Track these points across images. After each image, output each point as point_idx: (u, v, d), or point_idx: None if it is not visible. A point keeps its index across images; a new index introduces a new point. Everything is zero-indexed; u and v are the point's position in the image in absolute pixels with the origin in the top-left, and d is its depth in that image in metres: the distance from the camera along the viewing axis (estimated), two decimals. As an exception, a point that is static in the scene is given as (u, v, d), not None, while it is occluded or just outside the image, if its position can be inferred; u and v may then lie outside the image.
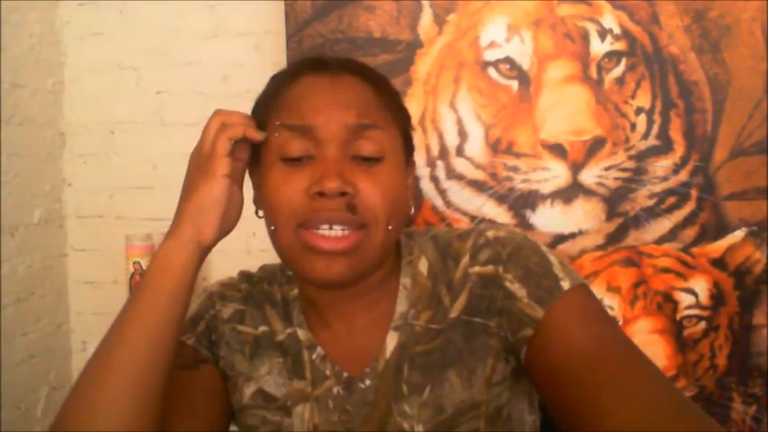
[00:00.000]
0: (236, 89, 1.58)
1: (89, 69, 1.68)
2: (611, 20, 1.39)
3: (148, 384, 0.57)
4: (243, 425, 0.71)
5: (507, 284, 0.65)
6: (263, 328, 0.72)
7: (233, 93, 1.59)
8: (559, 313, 0.61)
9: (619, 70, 1.39)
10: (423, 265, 0.70)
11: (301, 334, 0.70)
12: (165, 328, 0.58)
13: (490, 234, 0.68)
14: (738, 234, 1.36)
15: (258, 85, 0.71)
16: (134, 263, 1.54)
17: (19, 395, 1.49)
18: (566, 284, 0.63)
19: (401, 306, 0.69)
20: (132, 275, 1.54)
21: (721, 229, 1.37)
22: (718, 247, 1.37)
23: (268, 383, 0.70)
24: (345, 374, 0.68)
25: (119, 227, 1.64)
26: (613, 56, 1.39)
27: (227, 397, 0.71)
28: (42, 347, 1.58)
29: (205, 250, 0.62)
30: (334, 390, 0.68)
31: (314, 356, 0.69)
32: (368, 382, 0.67)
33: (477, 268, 0.67)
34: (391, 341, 0.68)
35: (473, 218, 1.44)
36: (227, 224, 0.64)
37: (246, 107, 0.69)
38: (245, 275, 0.77)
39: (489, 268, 0.67)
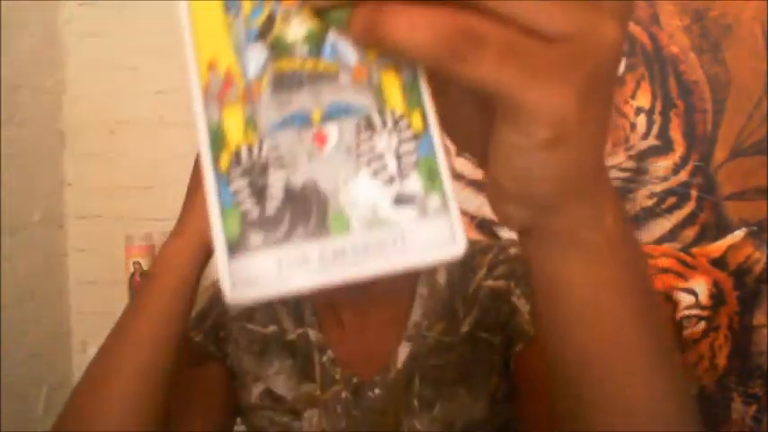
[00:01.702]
0: (236, 89, 1.58)
1: (89, 69, 1.67)
2: (611, 20, 1.39)
3: (153, 383, 0.57)
4: (250, 425, 0.71)
5: (514, 299, 0.66)
6: (272, 327, 0.72)
7: (233, 93, 1.58)
8: None
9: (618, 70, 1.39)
10: (441, 276, 0.70)
11: (312, 335, 0.70)
12: (168, 327, 0.58)
13: (512, 251, 0.69)
14: (738, 234, 1.36)
15: (259, 84, 0.71)
16: (134, 263, 1.53)
17: (19, 395, 1.49)
18: None
19: (416, 315, 0.68)
20: (132, 275, 1.54)
21: (721, 229, 1.37)
22: (718, 247, 1.37)
23: (276, 384, 0.70)
24: (355, 380, 0.68)
25: (119, 227, 1.64)
26: (613, 56, 1.39)
27: (234, 395, 0.71)
28: (42, 347, 1.57)
29: (210, 249, 0.62)
30: (343, 394, 0.68)
31: (324, 359, 0.69)
32: (377, 391, 0.67)
33: (490, 282, 0.68)
34: (403, 351, 0.67)
35: (473, 218, 1.44)
36: None
37: (248, 107, 0.69)
38: None
39: (501, 283, 0.67)
